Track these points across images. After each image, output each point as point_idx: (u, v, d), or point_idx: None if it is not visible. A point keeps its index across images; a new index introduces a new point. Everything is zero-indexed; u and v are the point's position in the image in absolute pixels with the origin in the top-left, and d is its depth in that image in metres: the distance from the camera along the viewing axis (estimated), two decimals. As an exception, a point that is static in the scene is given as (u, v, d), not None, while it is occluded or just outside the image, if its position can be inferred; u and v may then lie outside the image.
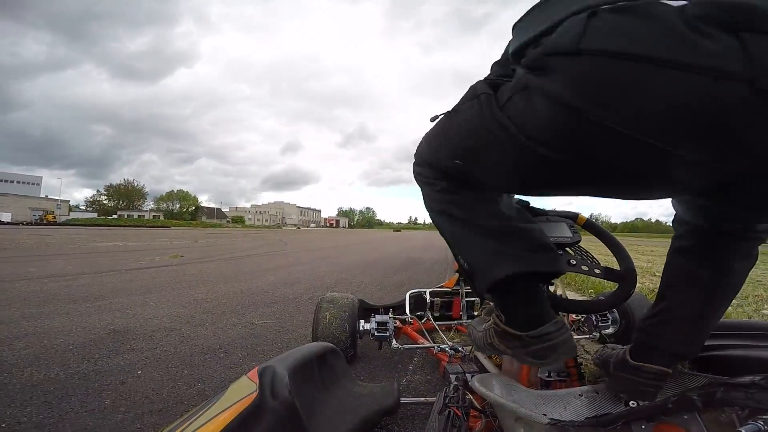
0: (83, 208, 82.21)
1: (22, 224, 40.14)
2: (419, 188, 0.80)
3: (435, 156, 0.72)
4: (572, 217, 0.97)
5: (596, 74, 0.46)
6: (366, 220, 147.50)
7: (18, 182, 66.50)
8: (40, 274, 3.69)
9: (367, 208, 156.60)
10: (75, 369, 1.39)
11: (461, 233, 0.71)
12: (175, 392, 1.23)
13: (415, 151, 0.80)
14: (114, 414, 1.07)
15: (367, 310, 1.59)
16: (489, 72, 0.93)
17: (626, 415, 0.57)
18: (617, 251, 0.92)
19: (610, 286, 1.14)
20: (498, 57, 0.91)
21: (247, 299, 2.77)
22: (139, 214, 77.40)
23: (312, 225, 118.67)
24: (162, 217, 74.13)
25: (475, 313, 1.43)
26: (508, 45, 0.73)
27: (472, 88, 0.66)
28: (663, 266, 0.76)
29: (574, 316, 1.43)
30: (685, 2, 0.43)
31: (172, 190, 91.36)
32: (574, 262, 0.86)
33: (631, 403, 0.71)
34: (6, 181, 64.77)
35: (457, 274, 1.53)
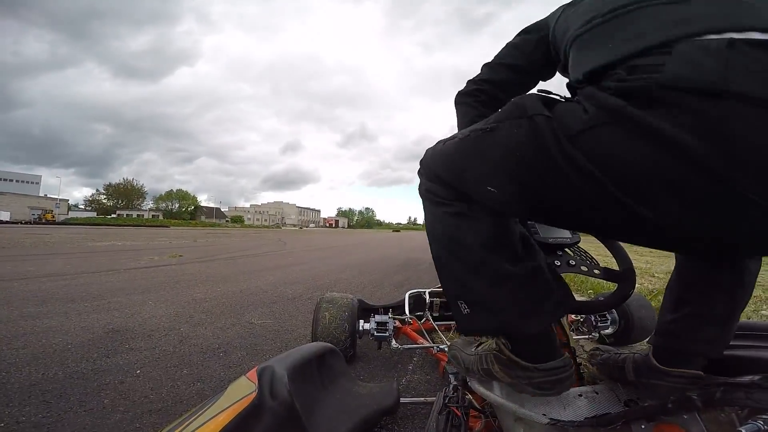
0: (82, 207, 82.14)
1: (21, 223, 40.06)
2: (422, 200, 0.73)
3: (458, 177, 0.63)
4: None
5: (741, 125, 0.37)
6: (365, 221, 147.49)
7: (17, 181, 66.42)
8: (39, 273, 3.68)
9: (367, 209, 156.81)
10: (73, 368, 1.38)
11: (472, 268, 0.62)
12: (174, 392, 1.23)
13: (421, 160, 0.73)
14: (113, 413, 1.07)
15: (366, 310, 1.59)
16: (479, 73, 0.90)
17: (626, 415, 0.57)
18: (616, 252, 0.92)
19: (609, 287, 1.14)
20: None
21: (246, 299, 2.77)
22: (139, 213, 77.33)
23: (311, 225, 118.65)
24: (161, 217, 73.99)
25: None
26: (528, 48, 0.66)
27: (516, 104, 0.55)
28: (662, 267, 0.76)
29: (573, 316, 1.43)
30: None
31: (172, 190, 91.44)
32: (574, 263, 0.86)
33: (630, 403, 0.71)
34: (5, 179, 64.67)
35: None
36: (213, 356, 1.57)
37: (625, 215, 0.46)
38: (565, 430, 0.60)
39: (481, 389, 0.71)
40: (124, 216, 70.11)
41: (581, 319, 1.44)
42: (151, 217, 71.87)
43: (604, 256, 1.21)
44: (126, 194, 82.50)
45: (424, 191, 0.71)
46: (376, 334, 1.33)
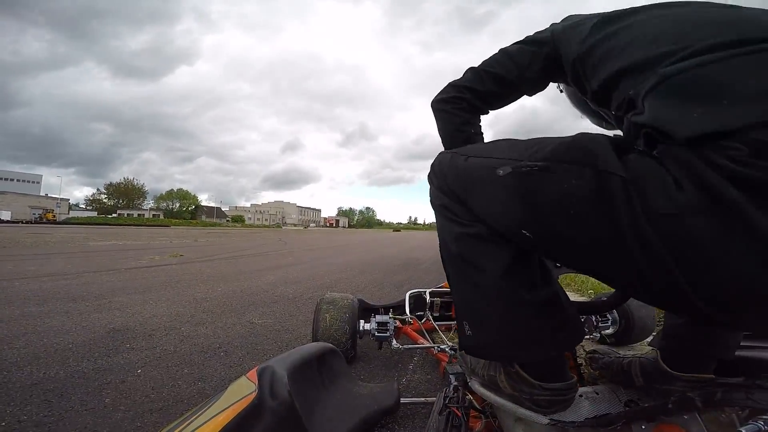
0: (83, 206, 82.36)
1: (22, 223, 40.15)
2: (434, 212, 0.69)
3: (484, 207, 0.56)
4: None
5: None
6: (366, 220, 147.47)
7: (18, 180, 66.55)
8: (40, 273, 3.69)
9: (367, 208, 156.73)
10: (75, 368, 1.39)
11: (485, 293, 0.59)
12: (175, 391, 1.23)
13: (433, 166, 0.68)
14: (114, 413, 1.07)
15: (367, 310, 1.59)
16: (461, 76, 0.82)
17: (626, 415, 0.57)
18: None
19: (610, 287, 1.14)
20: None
21: (247, 298, 2.77)
22: (139, 213, 77.39)
23: (312, 225, 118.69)
24: (162, 216, 74.07)
25: None
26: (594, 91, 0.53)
27: (582, 147, 0.44)
28: None
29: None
30: None
31: (172, 189, 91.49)
32: None
33: (630, 403, 0.71)
34: (6, 179, 64.79)
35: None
36: (214, 356, 1.57)
37: (682, 305, 0.39)
38: (565, 431, 0.60)
39: (481, 390, 0.71)
40: (125, 215, 70.21)
41: (582, 320, 1.44)
42: (151, 216, 71.97)
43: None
44: (126, 194, 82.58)
45: (438, 206, 0.66)
46: (377, 334, 1.33)
